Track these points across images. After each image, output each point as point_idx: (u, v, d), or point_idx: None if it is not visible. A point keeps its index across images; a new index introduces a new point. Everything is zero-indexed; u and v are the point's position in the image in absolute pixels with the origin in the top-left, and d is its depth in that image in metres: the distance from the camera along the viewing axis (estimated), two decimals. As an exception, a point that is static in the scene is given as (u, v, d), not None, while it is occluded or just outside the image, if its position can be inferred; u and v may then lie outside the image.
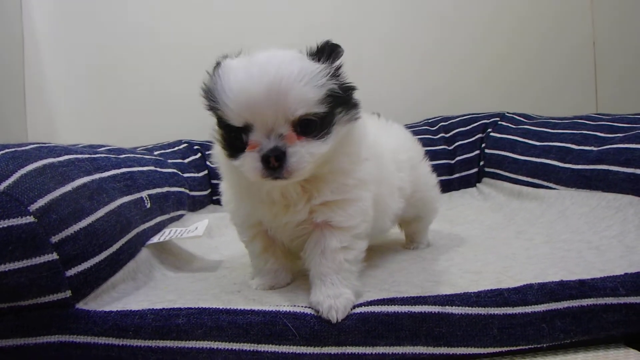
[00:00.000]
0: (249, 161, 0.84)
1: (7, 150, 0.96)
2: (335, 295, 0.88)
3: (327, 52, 0.90)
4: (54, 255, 0.84)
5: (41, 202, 0.86)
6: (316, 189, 0.94)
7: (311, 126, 0.85)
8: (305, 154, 0.84)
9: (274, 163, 0.83)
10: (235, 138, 0.87)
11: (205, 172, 2.26)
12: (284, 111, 0.83)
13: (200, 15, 2.68)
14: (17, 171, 0.89)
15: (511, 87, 2.83)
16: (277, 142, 0.83)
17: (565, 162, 1.73)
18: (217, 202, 2.29)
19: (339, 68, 0.91)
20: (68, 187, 0.95)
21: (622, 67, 2.83)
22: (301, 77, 0.83)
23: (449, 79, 2.81)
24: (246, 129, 0.85)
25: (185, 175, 1.97)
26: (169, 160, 1.93)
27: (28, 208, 0.83)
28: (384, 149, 1.15)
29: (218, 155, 0.99)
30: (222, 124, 0.88)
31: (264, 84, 0.82)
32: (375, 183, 1.01)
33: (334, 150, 0.90)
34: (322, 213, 0.94)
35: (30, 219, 0.83)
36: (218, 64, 0.91)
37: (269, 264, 1.06)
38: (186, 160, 2.16)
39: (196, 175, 2.13)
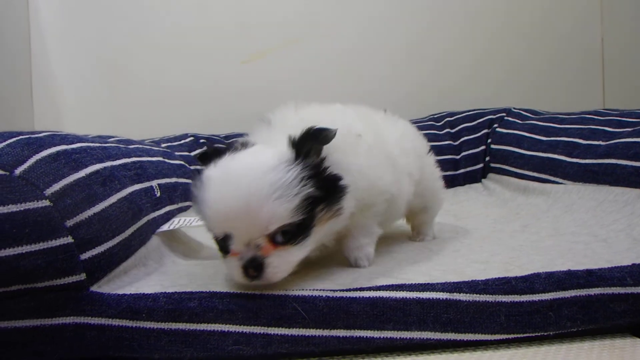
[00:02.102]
0: (232, 267, 0.88)
1: (21, 137, 0.97)
2: (357, 247, 1.05)
3: (311, 141, 0.91)
4: (69, 239, 0.85)
5: (56, 187, 0.88)
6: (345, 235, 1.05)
7: (287, 235, 0.88)
8: (281, 264, 0.88)
9: (252, 273, 0.86)
10: (219, 243, 0.91)
11: (211, 165, 2.27)
12: (258, 226, 0.85)
13: (208, 9, 2.69)
14: (32, 156, 0.90)
15: (518, 83, 2.83)
16: (256, 251, 0.86)
17: (572, 157, 1.73)
18: (224, 194, 2.30)
19: (320, 163, 0.92)
20: (81, 173, 0.97)
21: (630, 63, 2.82)
22: (272, 192, 0.84)
23: (454, 74, 2.81)
24: (226, 238, 0.87)
25: (192, 167, 1.97)
26: (176, 153, 1.94)
27: (44, 192, 0.85)
28: (389, 137, 1.19)
29: None
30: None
31: (237, 202, 0.84)
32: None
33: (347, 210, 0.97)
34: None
35: (46, 202, 0.84)
36: (199, 172, 0.93)
37: None
38: (192, 153, 2.17)
39: (202, 168, 2.13)
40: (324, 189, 0.90)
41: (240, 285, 0.90)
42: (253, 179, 0.85)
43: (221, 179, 0.88)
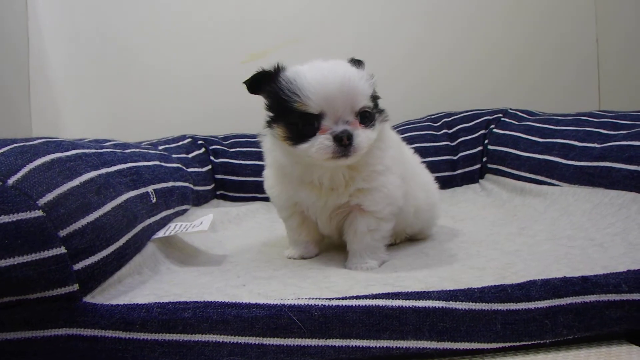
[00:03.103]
0: (321, 141, 1.06)
1: (15, 145, 0.96)
2: (361, 264, 1.17)
3: (358, 64, 1.17)
4: (62, 249, 0.84)
5: (50, 197, 0.87)
6: (352, 177, 1.16)
7: (366, 117, 1.10)
8: (364, 137, 1.08)
9: (346, 141, 1.05)
10: (306, 125, 1.07)
11: (209, 166, 2.27)
12: (351, 103, 1.07)
13: (208, 9, 2.68)
14: (25, 166, 0.90)
15: (514, 84, 2.83)
16: (345, 126, 1.06)
17: (568, 159, 1.73)
18: (221, 197, 2.30)
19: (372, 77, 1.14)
20: (76, 182, 0.96)
21: (625, 63, 2.83)
22: (360, 77, 1.09)
23: (450, 75, 2.81)
24: (319, 116, 1.06)
25: (190, 170, 1.97)
26: (173, 155, 1.94)
27: (37, 202, 0.84)
28: (408, 151, 1.44)
29: (271, 149, 1.23)
30: (295, 114, 1.07)
31: (337, 81, 1.05)
32: (400, 170, 1.23)
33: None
34: (356, 197, 1.17)
35: (38, 213, 0.83)
36: (280, 69, 1.13)
37: (302, 236, 1.30)
38: (190, 155, 2.16)
39: (200, 170, 2.13)
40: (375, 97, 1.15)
41: (234, 294, 0.90)
42: (346, 68, 1.10)
43: (319, 68, 1.09)
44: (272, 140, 1.17)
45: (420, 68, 2.80)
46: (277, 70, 1.13)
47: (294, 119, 1.08)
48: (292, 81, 1.06)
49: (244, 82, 1.17)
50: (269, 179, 1.29)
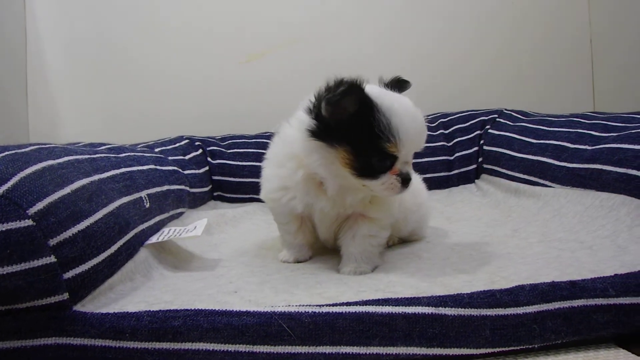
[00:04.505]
0: (393, 182, 1.09)
1: (6, 153, 0.97)
2: (355, 268, 1.17)
3: (400, 88, 1.19)
4: (52, 258, 0.85)
5: (40, 206, 0.87)
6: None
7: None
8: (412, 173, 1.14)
9: (407, 185, 1.10)
10: (382, 163, 1.07)
11: (207, 168, 2.27)
12: (419, 148, 1.12)
13: (206, 9, 2.69)
14: (16, 174, 0.90)
15: (509, 84, 2.84)
16: (407, 167, 1.11)
17: (560, 161, 1.73)
18: (218, 199, 2.31)
19: None
20: (67, 190, 0.96)
21: (619, 64, 2.83)
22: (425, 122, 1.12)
23: (446, 75, 2.81)
24: (395, 158, 1.07)
25: (186, 172, 1.97)
26: (170, 157, 1.94)
27: (27, 211, 0.84)
28: None
29: (314, 159, 1.12)
30: (377, 151, 1.06)
31: (418, 130, 1.09)
32: None
33: None
34: (366, 207, 1.20)
35: (28, 222, 0.84)
36: (360, 89, 1.06)
37: (298, 240, 1.29)
38: (187, 157, 2.16)
39: (197, 171, 2.13)
40: None
41: (226, 301, 0.90)
42: (420, 114, 1.11)
43: (410, 114, 1.08)
44: (322, 156, 1.10)
45: (420, 68, 2.79)
46: (363, 90, 1.06)
47: (373, 154, 1.06)
48: (387, 118, 1.04)
49: (336, 89, 1.04)
50: (277, 181, 1.23)
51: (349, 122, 1.05)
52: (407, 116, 1.06)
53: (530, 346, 0.87)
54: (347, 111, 1.04)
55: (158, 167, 1.65)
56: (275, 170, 1.23)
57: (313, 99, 1.09)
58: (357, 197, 1.16)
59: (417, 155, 1.85)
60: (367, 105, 1.04)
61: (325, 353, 0.84)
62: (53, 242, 0.86)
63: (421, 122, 1.10)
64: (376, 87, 1.13)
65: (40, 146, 1.13)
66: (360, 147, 1.06)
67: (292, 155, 1.17)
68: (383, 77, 1.18)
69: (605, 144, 1.58)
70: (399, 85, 1.18)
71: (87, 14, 2.63)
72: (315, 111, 1.08)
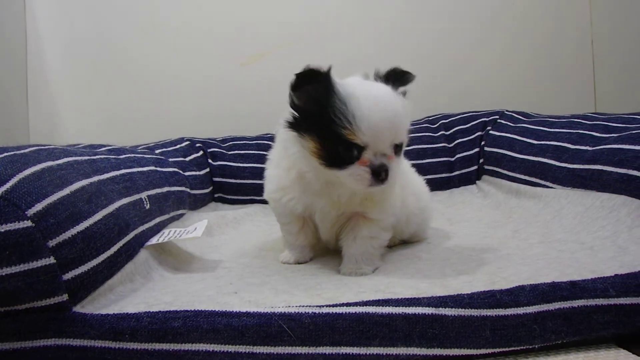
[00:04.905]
0: (360, 173, 1.04)
1: (5, 154, 0.96)
2: (356, 269, 1.16)
3: (400, 80, 1.14)
4: (51, 259, 0.85)
5: (39, 207, 0.87)
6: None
7: (399, 148, 1.09)
8: (396, 168, 1.08)
9: (384, 177, 1.05)
10: (347, 152, 1.04)
11: (207, 169, 2.27)
12: (394, 138, 1.06)
13: (206, 10, 2.69)
14: (15, 175, 0.90)
15: (511, 85, 2.83)
16: (382, 159, 1.05)
17: (561, 161, 1.73)
18: (219, 200, 2.30)
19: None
20: (66, 191, 0.96)
21: (621, 65, 2.83)
22: (405, 112, 1.08)
23: (447, 77, 2.81)
24: (361, 148, 1.03)
25: (187, 173, 1.97)
26: (170, 159, 1.94)
27: (26, 212, 0.84)
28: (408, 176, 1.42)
29: (293, 155, 1.14)
30: (338, 139, 1.03)
31: (388, 119, 1.04)
32: (401, 180, 1.24)
33: None
34: (364, 206, 1.18)
35: (27, 223, 0.84)
36: (331, 77, 1.06)
37: (299, 241, 1.29)
38: (188, 159, 2.16)
39: (198, 173, 2.13)
40: None
41: (225, 302, 0.90)
42: (396, 102, 1.08)
43: (374, 98, 1.04)
44: (299, 148, 1.11)
45: (419, 70, 2.79)
46: (328, 77, 1.06)
47: (335, 142, 1.04)
48: (345, 103, 1.01)
49: (297, 74, 1.05)
50: (277, 181, 1.23)
51: (315, 110, 1.05)
52: (368, 102, 1.02)
53: (530, 346, 0.87)
54: (312, 97, 1.05)
55: (158, 169, 1.65)
56: (274, 171, 1.25)
57: None
58: (345, 193, 1.14)
59: (418, 156, 1.86)
60: (331, 92, 1.03)
61: (325, 354, 0.84)
62: (52, 243, 0.86)
63: (391, 110, 1.05)
64: (357, 78, 1.12)
65: (40, 147, 1.13)
66: (325, 135, 1.05)
67: (286, 154, 1.18)
68: (380, 70, 1.14)
69: (606, 144, 1.58)
70: (398, 76, 1.14)
71: (87, 14, 2.63)
72: (289, 101, 1.09)
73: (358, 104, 1.01)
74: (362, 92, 1.04)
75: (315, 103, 1.05)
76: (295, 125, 1.09)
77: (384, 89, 1.09)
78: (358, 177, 1.04)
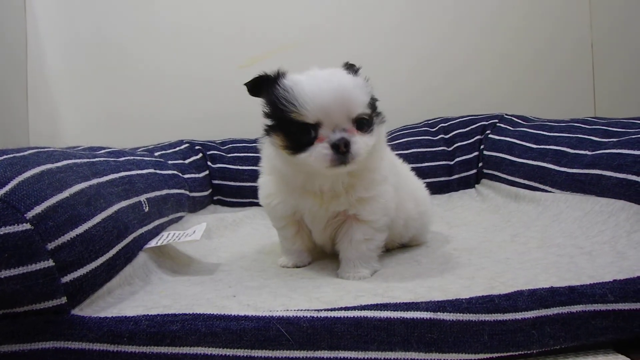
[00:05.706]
0: (319, 150, 1.06)
1: (5, 157, 0.97)
2: (354, 273, 1.17)
3: (353, 70, 1.18)
4: (50, 262, 0.85)
5: (38, 209, 0.87)
6: (352, 185, 1.17)
7: (363, 124, 1.10)
8: (362, 143, 1.08)
9: (343, 149, 1.05)
10: (303, 134, 1.07)
11: (206, 172, 2.28)
12: (347, 111, 1.07)
13: (207, 13, 2.69)
14: (14, 178, 0.90)
15: (510, 89, 2.84)
16: (342, 134, 1.06)
17: (560, 166, 1.73)
18: (218, 203, 2.31)
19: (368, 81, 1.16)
20: (65, 194, 0.96)
21: (620, 69, 2.84)
22: (355, 85, 1.10)
23: (447, 80, 2.81)
24: (316, 125, 1.06)
25: (186, 176, 1.97)
26: (170, 162, 1.94)
27: (25, 215, 0.85)
28: (398, 160, 1.44)
29: (270, 157, 1.22)
30: (292, 123, 1.07)
31: (332, 91, 1.06)
32: (394, 181, 1.25)
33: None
34: (354, 207, 1.18)
35: (26, 226, 0.84)
36: (280, 75, 1.13)
37: (296, 245, 1.30)
38: (187, 161, 2.16)
39: (197, 175, 2.14)
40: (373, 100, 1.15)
41: (224, 305, 0.90)
42: (342, 77, 1.12)
43: (315, 77, 1.10)
44: (272, 148, 1.17)
45: (418, 73, 2.80)
46: (277, 77, 1.13)
47: (292, 128, 1.08)
48: (289, 90, 1.07)
49: (245, 84, 1.17)
50: (267, 187, 1.28)
51: (273, 107, 1.12)
52: (310, 81, 1.08)
53: (528, 351, 0.87)
54: (269, 99, 1.12)
55: (157, 171, 1.65)
56: (264, 178, 1.29)
57: None
58: (325, 183, 1.16)
59: (417, 159, 1.85)
60: (278, 87, 1.10)
61: (323, 357, 0.84)
62: (51, 246, 0.86)
63: (335, 82, 1.08)
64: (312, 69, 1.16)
65: (39, 150, 1.12)
66: (283, 125, 1.10)
67: (267, 160, 1.25)
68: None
69: (605, 149, 1.58)
70: (353, 69, 1.20)
71: (87, 14, 2.63)
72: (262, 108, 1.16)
73: (301, 86, 1.07)
74: (305, 76, 1.11)
75: (271, 102, 1.12)
76: (267, 129, 1.15)
77: (331, 70, 1.14)
78: (319, 155, 1.06)
